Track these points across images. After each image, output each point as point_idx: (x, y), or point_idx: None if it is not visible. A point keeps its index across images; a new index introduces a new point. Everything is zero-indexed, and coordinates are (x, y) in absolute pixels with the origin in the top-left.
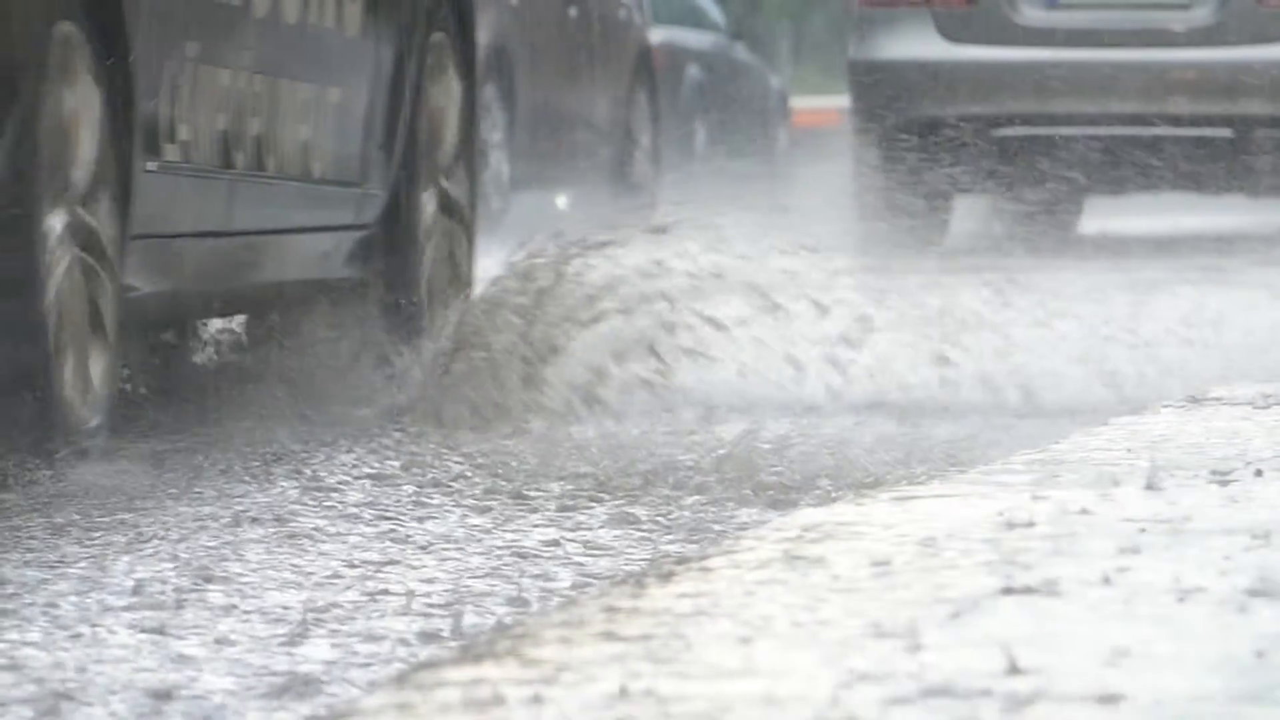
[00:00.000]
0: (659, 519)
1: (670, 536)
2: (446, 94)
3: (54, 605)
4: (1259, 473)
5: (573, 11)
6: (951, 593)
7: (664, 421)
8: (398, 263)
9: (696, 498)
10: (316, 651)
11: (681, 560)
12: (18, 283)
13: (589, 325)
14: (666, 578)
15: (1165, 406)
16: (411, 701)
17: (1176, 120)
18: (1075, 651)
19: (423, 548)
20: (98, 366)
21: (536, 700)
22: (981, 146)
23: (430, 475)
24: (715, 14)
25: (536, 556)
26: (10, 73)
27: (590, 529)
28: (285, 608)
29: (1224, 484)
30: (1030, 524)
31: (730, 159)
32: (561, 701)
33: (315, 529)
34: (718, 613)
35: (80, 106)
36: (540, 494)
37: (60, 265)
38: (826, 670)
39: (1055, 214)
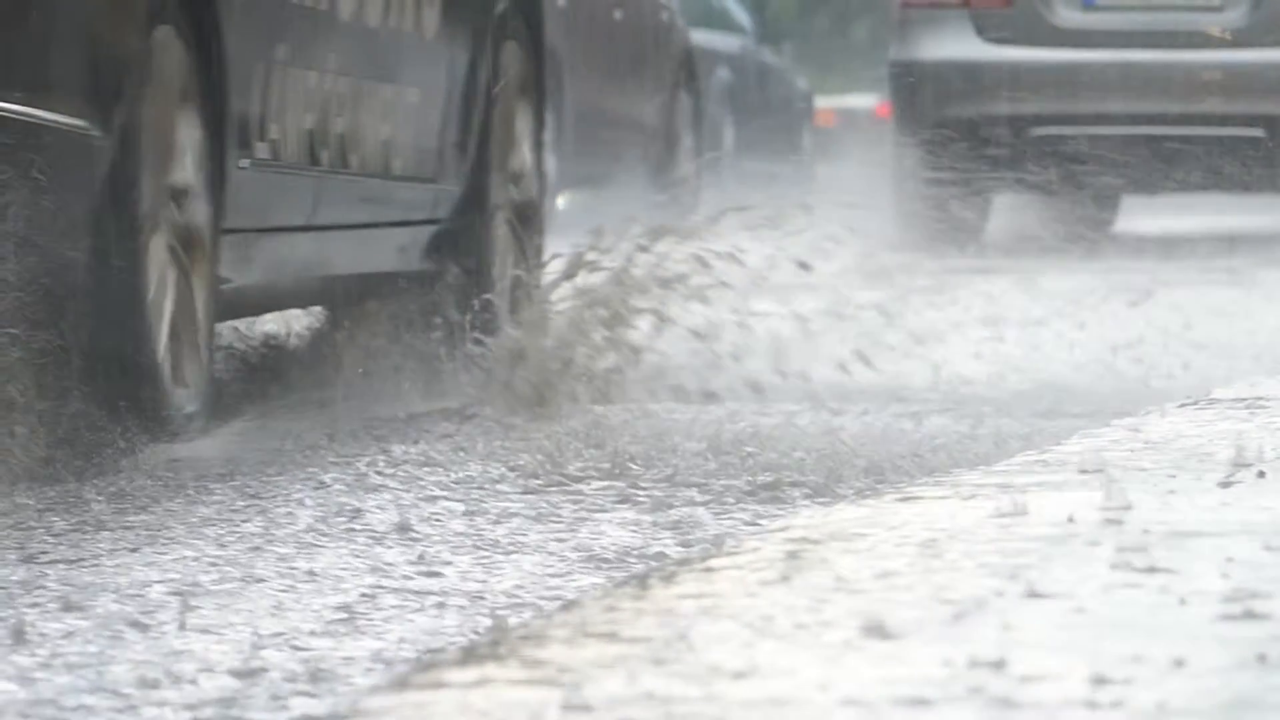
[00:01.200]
0: (752, 505)
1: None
2: (516, 97)
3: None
4: (1261, 474)
5: (617, 14)
6: (953, 594)
7: (736, 405)
8: (470, 256)
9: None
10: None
11: (684, 561)
12: (121, 275)
13: (662, 315)
14: (669, 579)
15: (1167, 408)
16: (414, 702)
17: (1209, 120)
18: (1075, 654)
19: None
20: (195, 354)
21: (538, 701)
22: (1018, 145)
23: (499, 458)
24: (742, 18)
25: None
26: (115, 74)
27: (687, 511)
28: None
29: (1226, 485)
30: (1032, 526)
31: (758, 159)
32: (563, 703)
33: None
34: (720, 614)
35: (178, 106)
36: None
37: (160, 258)
38: (829, 671)
39: (1091, 212)
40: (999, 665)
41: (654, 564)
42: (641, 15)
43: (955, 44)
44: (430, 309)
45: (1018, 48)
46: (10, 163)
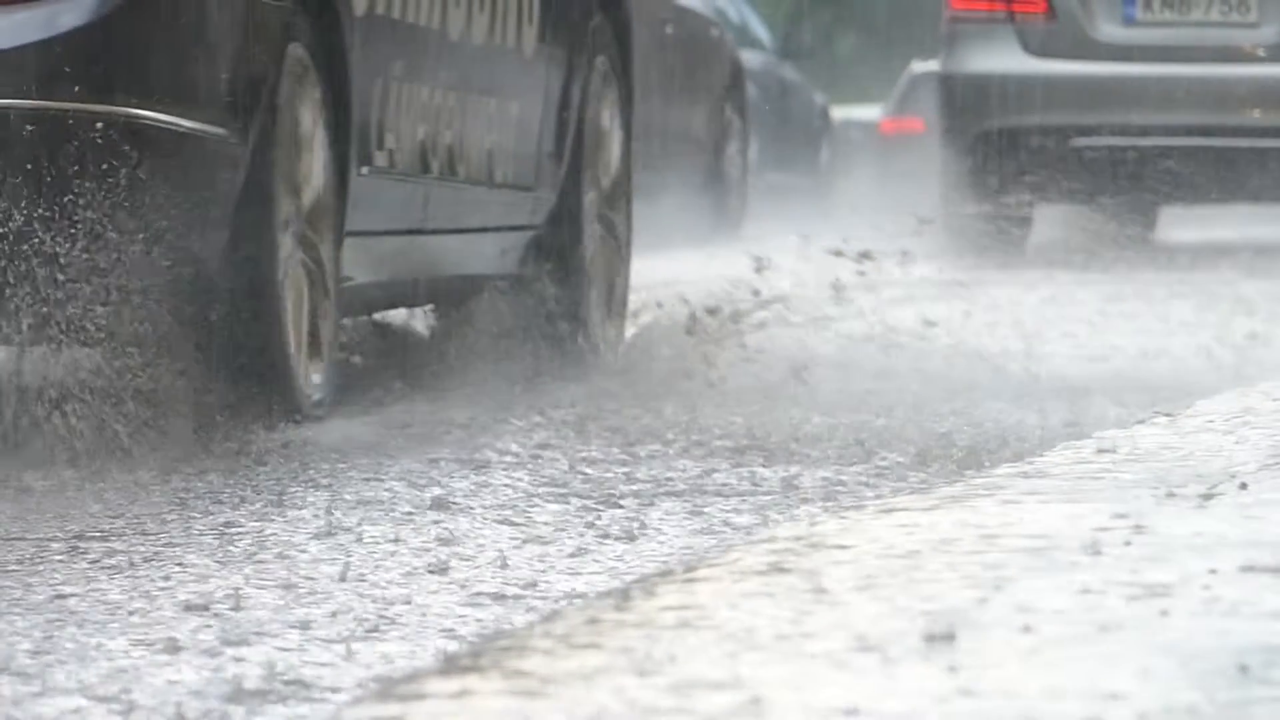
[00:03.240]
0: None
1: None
2: (607, 110)
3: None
4: (1243, 486)
5: (669, 30)
6: (935, 605)
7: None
8: (564, 259)
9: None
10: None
11: (667, 573)
12: (256, 271)
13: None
14: (652, 590)
15: (1149, 420)
16: (395, 714)
17: (1245, 133)
18: (1059, 670)
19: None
20: (322, 347)
21: (520, 713)
22: (1061, 156)
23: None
24: (763, 34)
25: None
26: (252, 88)
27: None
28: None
29: (1208, 497)
30: (1014, 537)
31: (780, 173)
32: (545, 714)
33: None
34: (703, 625)
35: (308, 117)
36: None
37: (290, 259)
38: (811, 683)
39: (1131, 221)
40: (978, 677)
41: (638, 576)
42: (692, 31)
43: (1001, 57)
44: (529, 308)
45: (1061, 61)
46: (157, 167)
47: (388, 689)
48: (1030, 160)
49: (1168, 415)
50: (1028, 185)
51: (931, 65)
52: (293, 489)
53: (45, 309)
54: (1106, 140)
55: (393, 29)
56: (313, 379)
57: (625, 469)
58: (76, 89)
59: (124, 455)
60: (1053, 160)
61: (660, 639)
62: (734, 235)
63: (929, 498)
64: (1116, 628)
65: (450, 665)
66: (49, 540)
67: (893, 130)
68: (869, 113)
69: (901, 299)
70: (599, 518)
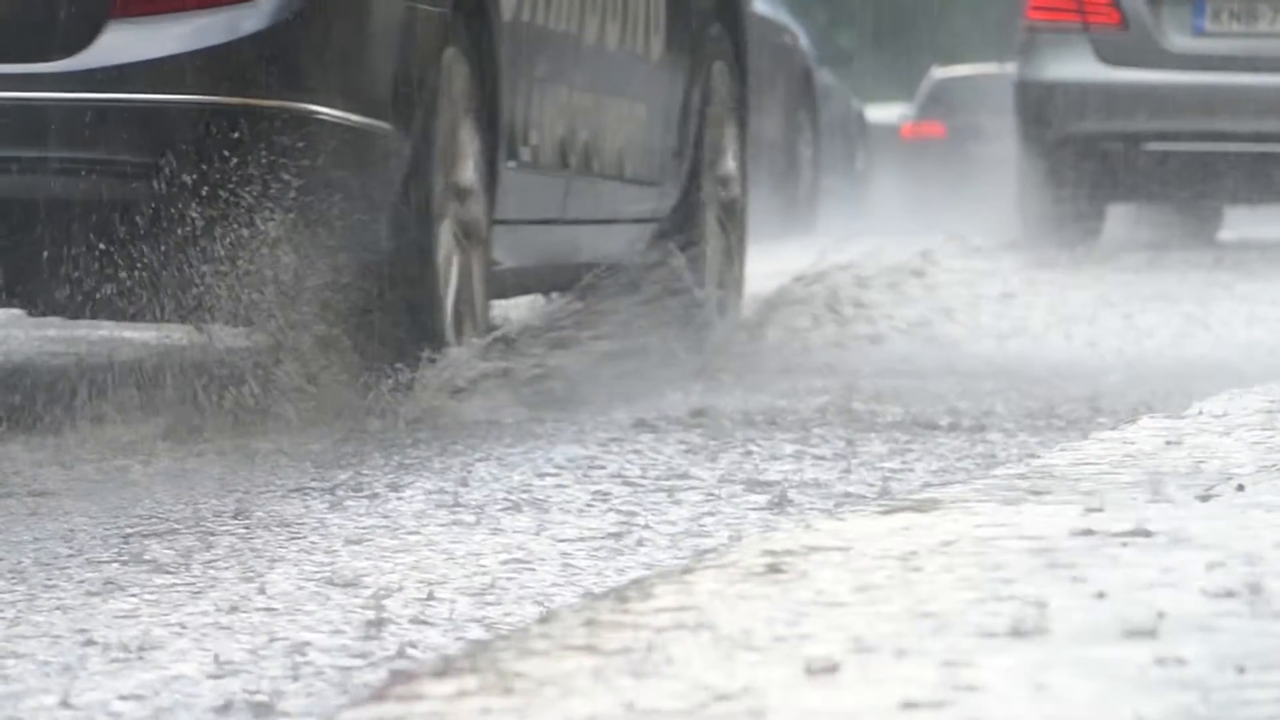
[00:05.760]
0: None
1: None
2: (724, 113)
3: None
4: (1240, 487)
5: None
6: (932, 608)
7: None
8: (687, 249)
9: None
10: None
11: (663, 573)
12: (416, 255)
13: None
14: (649, 591)
15: (1149, 421)
16: (391, 715)
17: None
18: (1055, 669)
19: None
20: (475, 326)
21: (517, 715)
22: (1133, 159)
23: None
24: (804, 41)
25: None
26: (414, 87)
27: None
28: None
29: (1205, 499)
30: (1011, 540)
31: (820, 176)
32: (542, 716)
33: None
34: (699, 626)
35: (461, 115)
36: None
37: (447, 242)
38: (808, 685)
39: (1197, 222)
40: (980, 680)
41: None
42: (765, 37)
43: (1075, 65)
44: (654, 293)
45: (1132, 69)
46: (329, 159)
47: (383, 691)
48: (1103, 163)
49: (1166, 416)
50: (1101, 186)
51: (951, 71)
52: (462, 457)
53: (224, 289)
54: (1176, 145)
55: (536, 34)
56: (467, 354)
57: (767, 438)
58: (256, 87)
59: (294, 425)
60: (1124, 163)
61: (658, 641)
62: (806, 234)
63: (925, 500)
64: (1116, 629)
65: (447, 667)
66: (306, 489)
67: (913, 135)
68: (887, 114)
69: (980, 282)
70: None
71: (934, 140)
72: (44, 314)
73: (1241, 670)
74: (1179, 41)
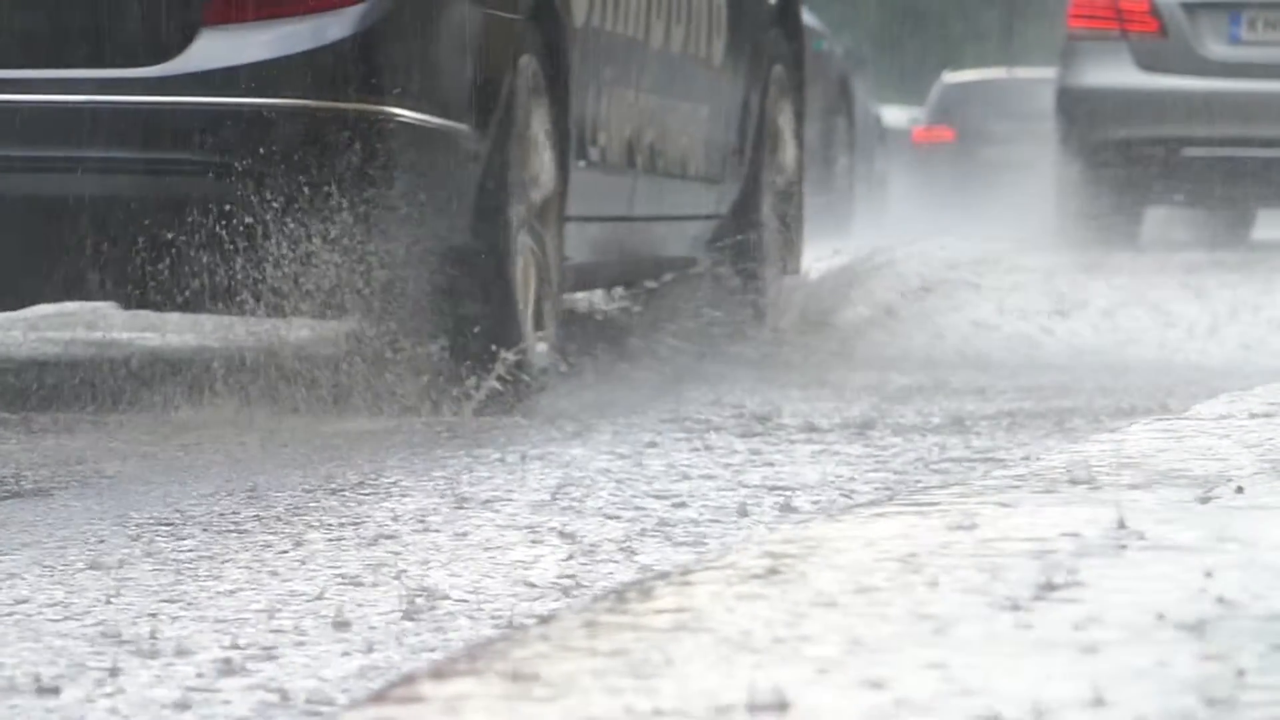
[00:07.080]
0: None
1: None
2: (782, 114)
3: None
4: (1239, 489)
5: None
6: (932, 609)
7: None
8: (746, 246)
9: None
10: None
11: (662, 575)
12: (493, 250)
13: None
14: (648, 592)
15: (1146, 422)
16: (391, 716)
17: None
18: (1058, 671)
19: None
20: (548, 318)
21: (516, 716)
22: (1170, 164)
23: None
24: (840, 49)
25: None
26: (491, 90)
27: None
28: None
29: (1205, 501)
30: (1009, 541)
31: (856, 182)
32: (541, 717)
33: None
34: (699, 627)
35: (535, 116)
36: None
37: (522, 240)
38: (807, 686)
39: (1230, 224)
40: (976, 678)
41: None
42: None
43: (1115, 72)
44: (715, 285)
45: (1170, 76)
46: (412, 159)
47: (383, 693)
48: (1141, 167)
49: (1164, 418)
50: (1139, 190)
51: (961, 76)
52: (543, 445)
53: (311, 284)
54: (1213, 150)
55: (605, 39)
56: (542, 346)
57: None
58: (342, 91)
59: (371, 411)
60: (1162, 167)
61: (657, 642)
62: (844, 236)
63: (925, 502)
64: (1110, 631)
65: (446, 668)
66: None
67: (924, 139)
68: (897, 117)
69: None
70: None
71: (944, 144)
72: (138, 308)
73: (1241, 671)
74: (1216, 49)
